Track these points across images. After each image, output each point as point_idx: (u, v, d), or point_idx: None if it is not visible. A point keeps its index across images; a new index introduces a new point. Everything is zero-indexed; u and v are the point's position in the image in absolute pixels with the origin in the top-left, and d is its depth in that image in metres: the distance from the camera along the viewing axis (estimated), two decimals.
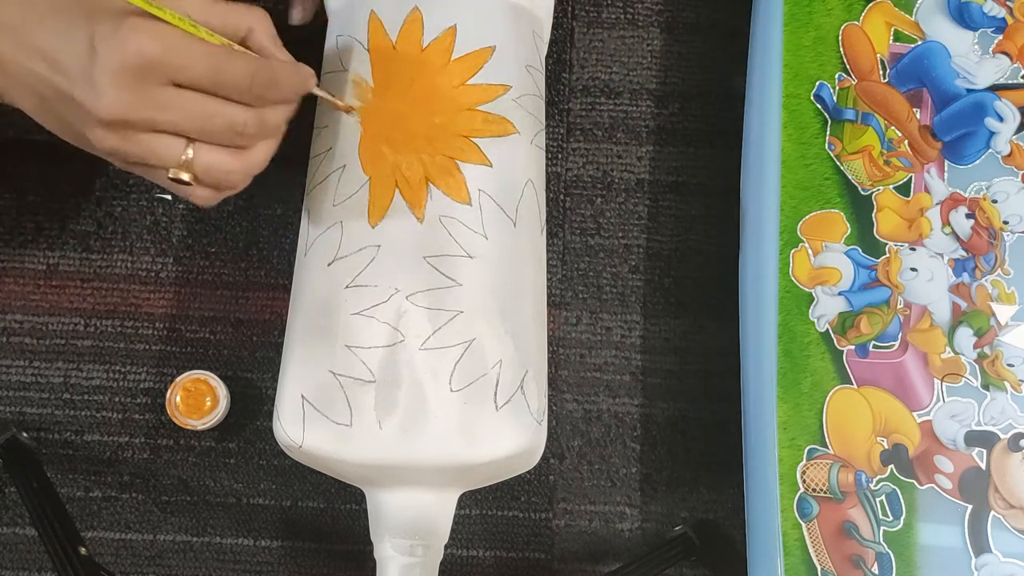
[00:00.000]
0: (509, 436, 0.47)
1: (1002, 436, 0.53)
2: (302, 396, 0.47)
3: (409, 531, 0.48)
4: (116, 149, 0.41)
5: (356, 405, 0.46)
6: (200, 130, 0.42)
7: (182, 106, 0.41)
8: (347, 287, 0.48)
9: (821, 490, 0.53)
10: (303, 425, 0.47)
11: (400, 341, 0.47)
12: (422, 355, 0.47)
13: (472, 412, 0.46)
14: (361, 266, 0.48)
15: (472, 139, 0.50)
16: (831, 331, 0.55)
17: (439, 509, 0.49)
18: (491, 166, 0.50)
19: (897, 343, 0.55)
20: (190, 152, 0.42)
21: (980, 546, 0.52)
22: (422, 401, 0.46)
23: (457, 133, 0.50)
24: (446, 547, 0.58)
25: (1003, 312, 0.55)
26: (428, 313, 0.47)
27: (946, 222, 0.56)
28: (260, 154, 0.45)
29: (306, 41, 0.52)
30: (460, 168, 0.50)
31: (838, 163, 0.57)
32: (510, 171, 0.51)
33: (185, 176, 0.42)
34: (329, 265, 0.49)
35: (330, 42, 0.55)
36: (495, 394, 0.47)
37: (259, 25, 0.44)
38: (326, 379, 0.47)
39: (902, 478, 0.53)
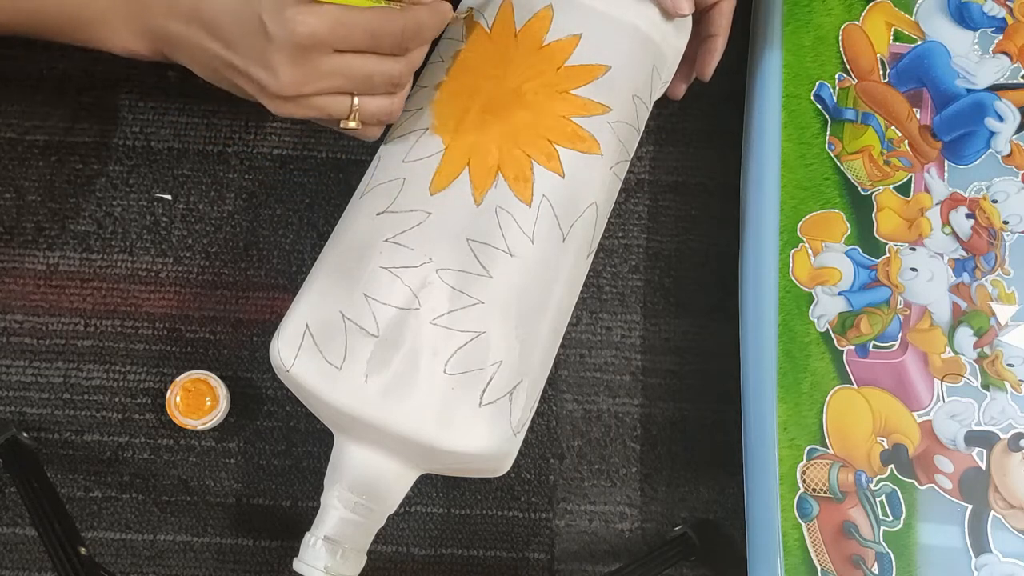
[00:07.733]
0: (481, 435, 0.47)
1: (1002, 436, 0.53)
2: (307, 326, 0.48)
3: (360, 489, 0.49)
4: (293, 114, 0.48)
5: (352, 352, 0.47)
6: (363, 88, 0.48)
7: (346, 70, 0.47)
8: (387, 240, 0.49)
9: (821, 490, 0.53)
10: (297, 352, 0.48)
11: (415, 308, 0.47)
12: (430, 329, 0.47)
13: (455, 399, 0.47)
14: (407, 226, 0.49)
15: (555, 145, 0.51)
16: (831, 331, 0.55)
17: (395, 481, 0.50)
18: (563, 177, 0.51)
19: (897, 343, 0.55)
20: (356, 103, 0.48)
21: (980, 546, 0.52)
22: (413, 372, 0.47)
23: (543, 135, 0.51)
24: (447, 547, 0.58)
25: (1003, 312, 0.55)
26: (451, 292, 0.48)
27: (946, 222, 0.56)
28: (408, 86, 0.51)
29: None
30: (533, 168, 0.50)
31: (838, 163, 0.57)
32: (579, 188, 0.51)
33: (354, 124, 0.49)
34: (378, 215, 0.50)
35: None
36: (483, 391, 0.47)
37: None
38: (334, 318, 0.48)
39: (902, 478, 0.53)
